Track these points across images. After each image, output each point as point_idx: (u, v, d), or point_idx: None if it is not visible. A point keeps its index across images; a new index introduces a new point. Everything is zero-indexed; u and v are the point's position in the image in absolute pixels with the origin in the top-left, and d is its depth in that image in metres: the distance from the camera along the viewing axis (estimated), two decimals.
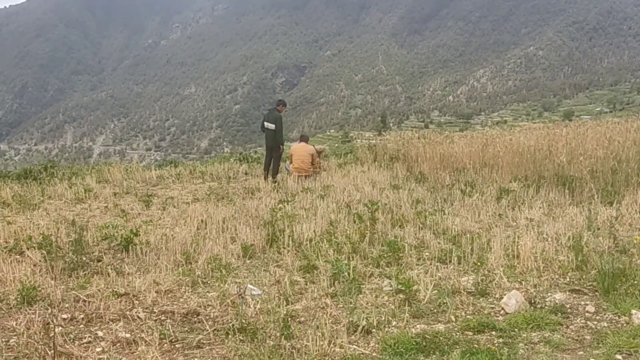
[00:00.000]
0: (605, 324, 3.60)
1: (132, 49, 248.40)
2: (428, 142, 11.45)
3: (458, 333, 3.50)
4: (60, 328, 3.53)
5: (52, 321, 3.54)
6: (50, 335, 3.29)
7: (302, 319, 3.79)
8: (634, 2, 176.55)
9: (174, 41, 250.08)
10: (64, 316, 3.77)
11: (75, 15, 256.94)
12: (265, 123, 10.95)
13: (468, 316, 3.76)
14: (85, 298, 4.09)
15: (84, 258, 5.01)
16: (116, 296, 4.14)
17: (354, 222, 6.48)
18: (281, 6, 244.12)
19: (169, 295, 4.25)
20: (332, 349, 3.27)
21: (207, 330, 3.55)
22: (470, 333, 3.50)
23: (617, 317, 3.68)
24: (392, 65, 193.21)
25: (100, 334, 3.50)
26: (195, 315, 3.83)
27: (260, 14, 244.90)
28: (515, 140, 10.53)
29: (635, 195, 7.01)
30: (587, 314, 3.78)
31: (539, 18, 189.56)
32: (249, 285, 4.32)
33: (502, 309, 3.85)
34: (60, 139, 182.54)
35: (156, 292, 4.24)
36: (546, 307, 3.85)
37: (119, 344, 3.35)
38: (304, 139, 11.70)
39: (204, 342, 3.41)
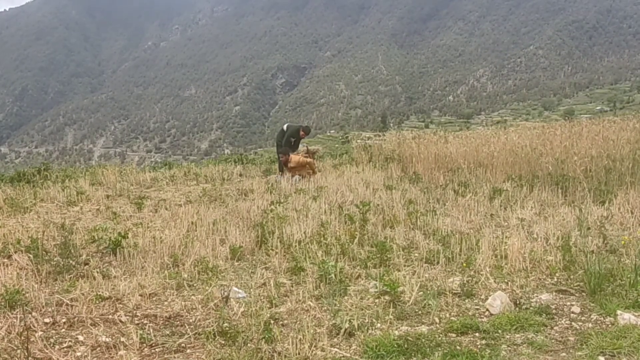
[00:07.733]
0: (590, 325, 3.57)
1: (132, 51, 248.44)
2: (422, 142, 11.41)
3: (441, 335, 3.47)
4: (41, 332, 3.51)
5: (32, 325, 3.52)
6: (31, 339, 3.27)
7: (286, 321, 3.76)
8: (633, 0, 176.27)
9: (174, 43, 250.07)
10: (46, 320, 3.74)
11: (75, 18, 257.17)
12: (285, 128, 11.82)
13: (452, 317, 3.73)
14: (68, 302, 4.06)
15: (71, 261, 4.97)
16: (100, 300, 4.11)
17: (345, 223, 6.45)
18: (281, 7, 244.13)
19: (154, 299, 4.23)
20: (313, 352, 3.25)
21: (189, 334, 3.53)
22: (454, 335, 3.47)
23: (602, 318, 3.65)
24: (391, 65, 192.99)
25: (80, 338, 3.47)
26: (178, 319, 3.80)
27: (259, 15, 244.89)
28: (510, 139, 10.50)
29: (627, 194, 6.98)
30: (572, 314, 3.75)
31: (538, 17, 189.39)
32: (234, 288, 4.30)
33: (487, 310, 3.82)
34: (60, 142, 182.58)
35: (140, 295, 4.22)
36: (531, 308, 3.82)
37: (98, 349, 3.32)
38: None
39: (185, 346, 3.38)
